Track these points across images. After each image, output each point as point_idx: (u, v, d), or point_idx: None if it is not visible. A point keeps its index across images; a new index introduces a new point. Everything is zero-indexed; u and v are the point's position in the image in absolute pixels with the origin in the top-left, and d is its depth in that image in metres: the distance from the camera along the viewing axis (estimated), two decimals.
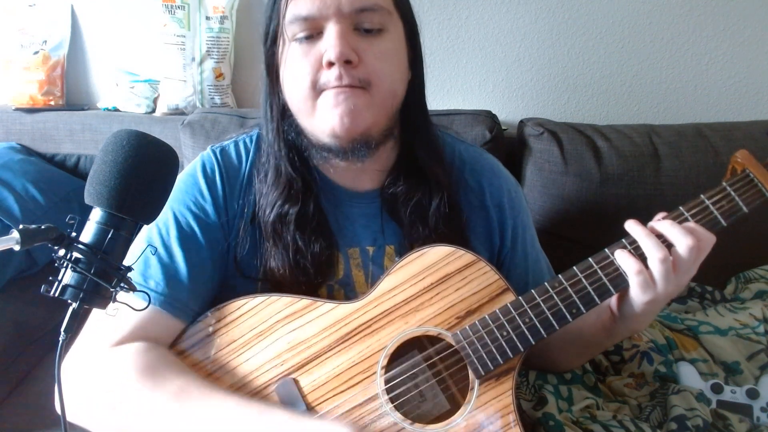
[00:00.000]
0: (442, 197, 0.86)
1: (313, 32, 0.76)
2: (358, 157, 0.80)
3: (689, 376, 1.01)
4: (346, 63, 0.74)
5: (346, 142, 0.78)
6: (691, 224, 0.77)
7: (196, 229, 0.83)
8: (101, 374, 0.75)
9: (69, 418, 0.73)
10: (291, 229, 0.82)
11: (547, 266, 0.99)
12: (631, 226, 0.77)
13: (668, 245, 0.75)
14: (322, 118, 0.77)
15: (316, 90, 0.76)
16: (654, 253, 0.74)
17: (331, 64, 0.74)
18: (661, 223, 0.77)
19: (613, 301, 0.81)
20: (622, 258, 0.76)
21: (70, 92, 1.70)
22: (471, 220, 0.91)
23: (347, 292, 0.86)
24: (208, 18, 1.56)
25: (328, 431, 0.68)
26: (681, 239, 0.74)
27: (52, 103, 1.64)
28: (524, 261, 0.95)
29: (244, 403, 0.72)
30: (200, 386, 0.74)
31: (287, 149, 0.84)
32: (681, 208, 0.79)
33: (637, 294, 0.76)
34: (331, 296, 0.85)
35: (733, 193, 0.79)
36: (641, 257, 0.75)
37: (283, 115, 0.84)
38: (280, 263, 0.82)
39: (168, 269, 0.80)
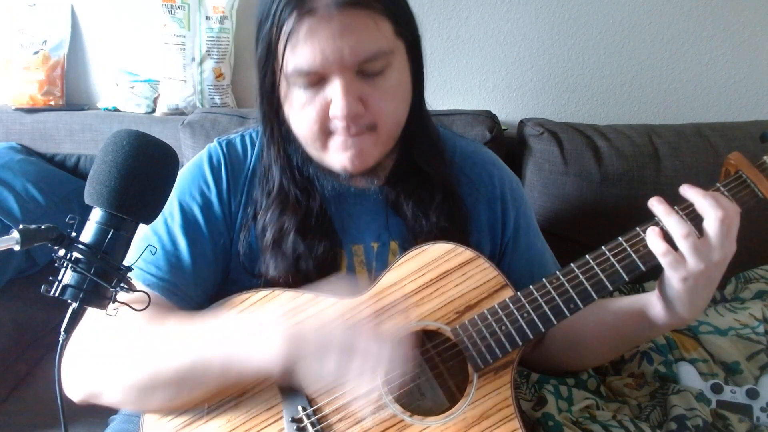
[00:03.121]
0: (443, 192, 0.87)
1: (317, 80, 0.74)
2: (365, 179, 0.84)
3: (689, 376, 1.01)
4: (354, 117, 0.74)
5: (356, 174, 0.81)
6: (716, 194, 0.76)
7: (200, 219, 0.84)
8: (104, 329, 0.74)
9: (80, 392, 0.73)
10: (291, 238, 0.82)
11: (552, 258, 0.99)
12: (655, 204, 0.77)
13: (694, 219, 0.75)
14: (333, 158, 0.79)
15: (325, 132, 0.77)
16: (677, 229, 0.73)
17: (336, 118, 0.74)
18: (693, 191, 0.76)
19: (656, 286, 0.80)
20: (651, 239, 0.75)
21: (70, 92, 1.70)
22: (473, 214, 0.91)
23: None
24: (208, 18, 1.56)
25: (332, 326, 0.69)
26: (710, 211, 0.73)
27: (52, 103, 1.64)
28: (527, 252, 0.95)
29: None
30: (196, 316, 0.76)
31: (290, 168, 0.84)
32: (676, 207, 0.79)
33: (671, 274, 0.75)
34: None
35: (726, 194, 0.79)
36: (667, 236, 0.75)
37: (287, 140, 0.84)
38: (282, 269, 0.82)
39: (170, 256, 0.81)
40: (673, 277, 0.75)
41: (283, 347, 0.67)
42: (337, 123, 0.75)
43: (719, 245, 0.73)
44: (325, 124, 0.76)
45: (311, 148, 0.81)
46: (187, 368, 0.71)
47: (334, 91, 0.73)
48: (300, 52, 0.72)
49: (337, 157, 0.78)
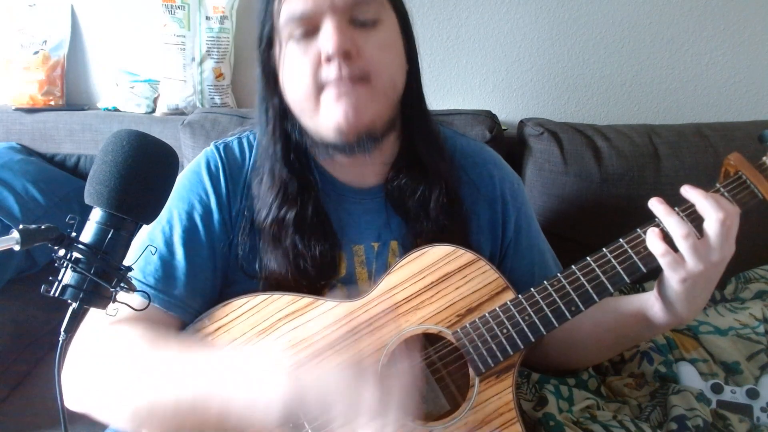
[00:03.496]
0: (442, 189, 0.86)
1: (310, 30, 0.75)
2: (363, 151, 0.79)
3: (689, 376, 1.01)
4: (345, 56, 0.74)
5: (351, 136, 0.78)
6: (717, 196, 0.76)
7: (199, 226, 0.83)
8: (104, 347, 0.75)
9: (76, 405, 0.73)
10: (290, 232, 0.82)
11: (553, 257, 0.99)
12: (655, 205, 0.77)
13: (695, 220, 0.75)
14: (326, 115, 0.77)
15: (318, 86, 0.76)
16: (677, 230, 0.74)
17: (330, 59, 0.74)
18: (694, 192, 0.76)
19: (656, 287, 0.80)
20: (650, 240, 0.75)
21: (70, 92, 1.70)
22: (473, 213, 0.91)
23: (350, 290, 0.86)
24: (208, 18, 1.56)
25: (337, 373, 0.66)
26: (711, 212, 0.74)
27: (52, 103, 1.64)
28: (529, 252, 0.94)
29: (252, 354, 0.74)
30: (201, 345, 0.76)
31: (284, 151, 0.84)
32: (676, 209, 0.79)
33: (670, 275, 0.75)
34: (333, 295, 0.85)
35: (727, 194, 0.79)
36: (666, 237, 0.75)
37: (283, 116, 0.83)
38: (281, 267, 0.81)
39: (168, 267, 0.81)
40: (672, 278, 0.75)
41: (283, 404, 0.65)
42: (330, 70, 0.74)
43: (719, 246, 0.74)
44: (317, 72, 0.75)
45: (305, 113, 0.79)
46: (185, 406, 0.69)
47: (326, 30, 0.74)
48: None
49: (330, 112, 0.76)
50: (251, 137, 0.91)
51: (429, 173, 0.86)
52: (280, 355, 0.73)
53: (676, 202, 0.81)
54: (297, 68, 0.77)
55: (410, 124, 0.87)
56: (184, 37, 1.56)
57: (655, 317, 0.82)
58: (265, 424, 0.67)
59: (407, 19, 0.84)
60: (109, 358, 0.75)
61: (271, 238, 0.82)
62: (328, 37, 0.73)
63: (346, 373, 0.66)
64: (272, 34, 0.79)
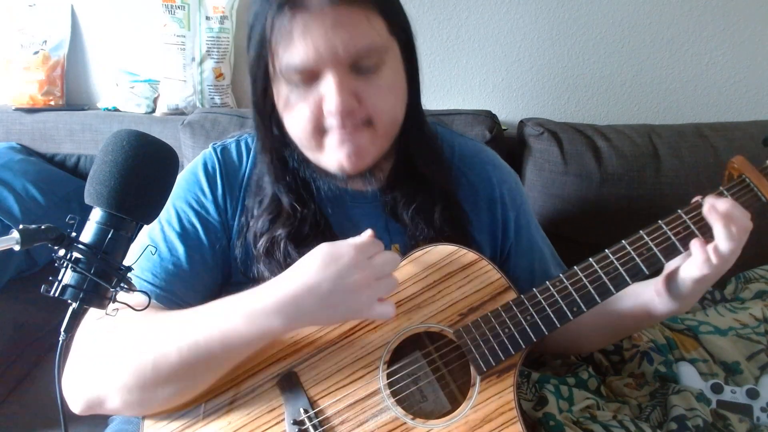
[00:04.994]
0: (443, 199, 0.86)
1: (310, 78, 0.74)
2: (364, 181, 0.82)
3: (689, 376, 1.01)
4: (348, 112, 0.74)
5: (353, 174, 0.80)
6: (730, 201, 0.78)
7: (198, 225, 0.84)
8: (103, 336, 0.74)
9: (83, 402, 0.72)
10: (282, 247, 0.82)
11: (552, 254, 0.99)
12: (710, 212, 0.77)
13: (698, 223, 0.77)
14: (329, 157, 0.78)
15: (320, 131, 0.76)
16: (727, 243, 0.75)
17: (331, 114, 0.74)
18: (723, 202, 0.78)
19: (660, 283, 0.82)
20: (696, 247, 0.77)
21: (70, 92, 1.70)
22: (473, 217, 0.91)
23: None
24: (208, 18, 1.56)
25: (311, 255, 0.70)
26: (744, 217, 0.76)
27: (52, 103, 1.64)
28: (530, 251, 0.95)
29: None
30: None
31: (280, 172, 0.83)
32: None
33: (689, 277, 0.77)
34: None
35: (730, 198, 0.80)
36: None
37: (282, 144, 0.83)
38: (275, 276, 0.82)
39: (168, 265, 0.81)
40: (689, 279, 0.78)
41: (279, 311, 0.68)
42: (332, 120, 0.74)
43: (738, 251, 0.77)
44: (319, 121, 0.75)
45: (307, 150, 0.80)
46: (188, 351, 0.69)
47: (328, 86, 0.72)
48: (293, 49, 0.71)
49: (333, 155, 0.77)
50: (249, 140, 0.91)
51: (428, 183, 0.86)
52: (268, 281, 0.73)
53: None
54: (298, 113, 0.76)
55: (407, 137, 0.86)
56: (184, 37, 1.56)
57: (657, 310, 0.84)
58: (268, 337, 0.71)
59: (411, 43, 0.81)
60: (105, 342, 0.74)
61: (264, 251, 0.83)
62: (330, 94, 0.72)
63: (331, 270, 0.68)
64: (268, 75, 0.76)
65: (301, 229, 0.83)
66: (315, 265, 0.69)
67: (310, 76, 0.73)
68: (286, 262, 0.80)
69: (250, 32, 0.76)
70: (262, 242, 0.82)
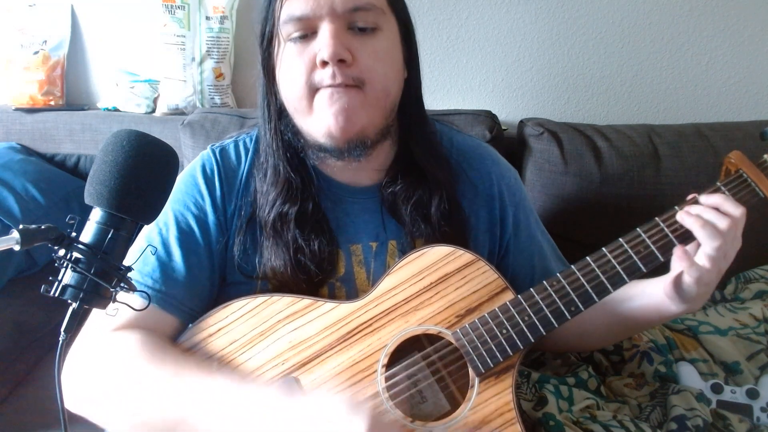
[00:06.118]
0: (441, 196, 0.86)
1: (308, 32, 0.76)
2: (354, 156, 0.80)
3: (689, 376, 1.01)
4: (340, 62, 0.74)
5: (341, 142, 0.78)
6: (723, 197, 0.78)
7: (195, 228, 0.84)
8: (103, 355, 0.76)
9: (74, 408, 0.74)
10: (291, 227, 0.82)
11: (552, 249, 0.99)
12: (683, 217, 0.78)
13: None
14: (318, 118, 0.78)
15: (311, 89, 0.77)
16: (711, 243, 0.75)
17: (325, 63, 0.75)
18: (714, 197, 0.78)
19: (668, 287, 0.81)
20: (679, 255, 0.77)
21: (70, 92, 1.70)
22: (472, 213, 0.91)
23: (348, 290, 0.86)
24: (208, 18, 1.56)
25: (322, 406, 0.66)
26: (734, 209, 0.76)
27: (52, 103, 1.64)
28: (529, 246, 0.95)
29: (240, 382, 0.74)
30: (198, 366, 0.76)
31: (285, 149, 0.84)
32: (676, 207, 0.79)
33: (688, 279, 0.77)
34: (332, 294, 0.85)
35: (727, 193, 0.79)
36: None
37: (279, 115, 0.84)
38: (281, 262, 0.82)
39: (165, 268, 0.81)
40: (690, 280, 0.77)
41: None
42: (324, 74, 0.75)
43: (733, 248, 0.77)
44: (311, 76, 0.76)
45: (298, 114, 0.80)
46: (172, 425, 0.71)
47: (322, 36, 0.75)
48: (293, 1, 0.75)
49: (322, 115, 0.77)
50: (248, 140, 0.91)
51: (428, 179, 0.86)
52: (269, 388, 0.73)
53: (676, 201, 0.81)
54: (292, 69, 0.77)
55: (407, 131, 0.87)
56: (184, 37, 1.56)
57: (670, 311, 0.83)
58: None
59: (409, 27, 0.84)
60: (107, 366, 0.75)
61: (273, 232, 0.83)
62: (324, 42, 0.74)
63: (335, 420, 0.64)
64: (272, 33, 0.79)
65: (305, 210, 0.83)
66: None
67: (307, 30, 0.76)
68: (294, 246, 0.81)
69: (262, 5, 0.79)
70: (270, 218, 0.83)
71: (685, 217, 0.77)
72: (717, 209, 0.77)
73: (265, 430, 0.67)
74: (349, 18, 0.75)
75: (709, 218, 0.76)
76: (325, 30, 0.74)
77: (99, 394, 0.75)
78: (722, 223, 0.75)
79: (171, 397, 0.72)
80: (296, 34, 0.76)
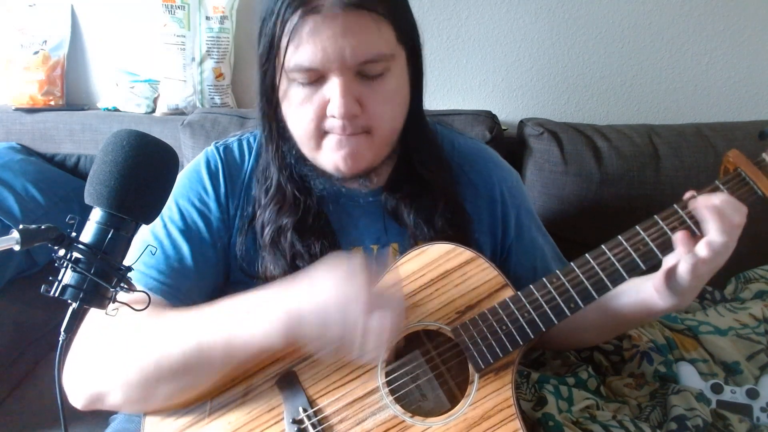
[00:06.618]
0: (444, 199, 0.87)
1: (316, 79, 0.74)
2: (360, 183, 0.84)
3: (689, 376, 1.01)
4: (351, 117, 0.74)
5: (348, 175, 0.81)
6: (724, 196, 0.77)
7: (200, 223, 0.84)
8: (105, 332, 0.74)
9: (79, 402, 0.73)
10: (288, 237, 0.83)
11: (553, 251, 0.99)
12: (700, 206, 0.77)
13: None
14: (326, 157, 0.79)
15: (320, 132, 0.77)
16: (717, 237, 0.74)
17: (334, 116, 0.74)
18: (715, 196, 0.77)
19: (658, 280, 0.81)
20: (680, 239, 0.76)
21: (70, 92, 1.70)
22: (474, 216, 0.91)
23: None
24: (208, 18, 1.56)
25: (325, 272, 0.68)
26: (735, 213, 0.75)
27: (52, 103, 1.64)
28: (531, 248, 0.95)
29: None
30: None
31: (288, 169, 0.84)
32: (675, 206, 0.79)
33: (685, 272, 0.76)
34: None
35: (726, 192, 0.80)
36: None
37: (282, 137, 0.84)
38: (279, 268, 0.82)
39: (171, 260, 0.81)
40: (685, 274, 0.76)
41: (283, 326, 0.67)
42: (333, 122, 0.75)
43: (732, 244, 0.76)
44: (321, 122, 0.76)
45: (305, 147, 0.81)
46: (191, 352, 0.70)
47: (333, 89, 0.73)
48: (302, 49, 0.72)
49: (330, 156, 0.78)
50: (251, 139, 0.91)
51: (429, 184, 0.87)
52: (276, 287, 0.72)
53: (676, 201, 0.81)
54: (301, 112, 0.77)
55: (409, 140, 0.87)
56: (184, 37, 1.56)
57: (658, 306, 0.83)
58: (269, 346, 0.69)
59: (418, 50, 0.82)
60: (108, 338, 0.74)
61: (270, 241, 0.83)
62: (335, 98, 0.73)
63: (341, 299, 0.65)
64: (276, 73, 0.77)
65: (304, 220, 0.83)
66: (328, 283, 0.67)
67: (316, 78, 0.74)
68: (292, 253, 0.82)
69: (261, 28, 0.77)
70: (268, 231, 0.83)
71: (703, 206, 0.76)
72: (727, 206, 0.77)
73: (277, 315, 0.67)
74: (358, 68, 0.74)
75: (725, 211, 0.75)
76: (335, 84, 0.73)
77: (105, 367, 0.73)
78: (737, 218, 0.75)
79: (179, 328, 0.72)
80: (303, 80, 0.75)
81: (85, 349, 0.74)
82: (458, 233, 0.87)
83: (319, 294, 0.66)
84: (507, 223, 0.94)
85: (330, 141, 0.77)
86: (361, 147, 0.78)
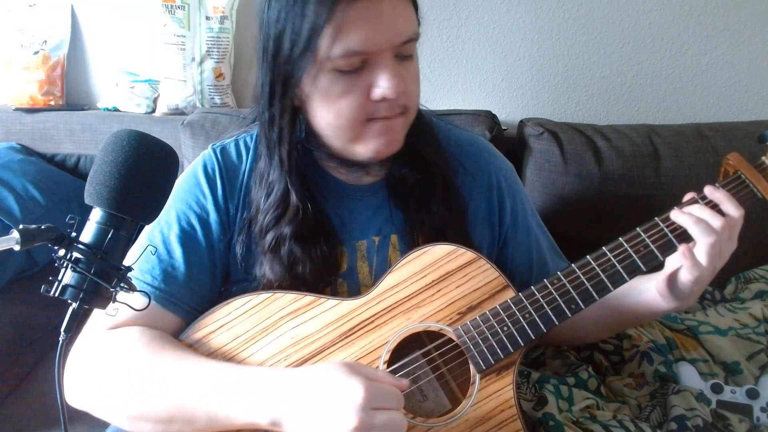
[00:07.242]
0: (442, 181, 0.88)
1: (360, 65, 0.73)
2: (372, 166, 0.84)
3: (689, 376, 1.01)
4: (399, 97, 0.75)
5: (381, 159, 0.82)
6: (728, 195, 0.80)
7: (197, 227, 0.84)
8: (103, 350, 0.77)
9: (75, 403, 0.75)
10: (287, 245, 0.82)
11: (549, 243, 1.00)
12: (677, 215, 0.79)
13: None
14: (367, 143, 0.79)
15: (366, 119, 0.77)
16: (706, 240, 0.77)
17: (385, 99, 0.74)
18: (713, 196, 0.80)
19: (661, 285, 0.82)
20: (684, 252, 0.77)
21: (70, 92, 1.70)
22: (471, 204, 0.92)
23: (350, 285, 0.87)
24: (208, 18, 1.56)
25: (326, 372, 0.68)
26: (733, 210, 0.78)
27: (52, 103, 1.64)
28: (527, 239, 0.96)
29: (242, 365, 0.76)
30: (197, 356, 0.77)
31: (284, 164, 0.82)
32: (676, 208, 0.80)
33: (686, 277, 0.78)
34: (334, 290, 0.86)
35: (721, 190, 0.80)
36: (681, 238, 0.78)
37: (292, 130, 0.81)
38: (278, 274, 0.82)
39: (166, 266, 0.81)
40: (687, 279, 0.78)
41: (268, 423, 0.68)
42: (379, 106, 0.75)
43: (729, 247, 0.79)
44: (367, 109, 0.76)
45: (340, 139, 0.79)
46: (176, 411, 0.72)
47: (382, 71, 0.73)
48: (352, 34, 0.71)
49: (373, 142, 0.78)
50: (248, 139, 0.91)
51: (428, 166, 0.87)
52: (269, 366, 0.74)
53: (676, 201, 0.81)
54: (343, 102, 0.75)
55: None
56: (184, 37, 1.56)
57: (661, 308, 0.85)
58: (249, 428, 0.70)
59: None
60: (108, 360, 0.76)
61: (269, 248, 0.83)
62: (385, 79, 0.73)
63: (331, 399, 0.65)
64: (305, 64, 0.74)
65: (304, 227, 0.83)
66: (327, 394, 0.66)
67: (360, 63, 0.73)
68: (291, 259, 0.82)
69: (276, 28, 0.74)
70: (268, 238, 0.83)
71: (678, 214, 0.79)
72: (716, 207, 0.79)
73: (266, 407, 0.68)
74: (399, 49, 0.74)
75: (702, 216, 0.78)
76: (385, 65, 0.73)
77: (100, 387, 0.75)
78: (716, 222, 0.77)
79: (171, 382, 0.73)
80: (346, 66, 0.73)
81: (84, 362, 0.77)
82: (455, 217, 0.88)
83: (311, 413, 0.66)
84: (504, 211, 0.94)
85: (375, 127, 0.77)
86: (399, 128, 0.79)
